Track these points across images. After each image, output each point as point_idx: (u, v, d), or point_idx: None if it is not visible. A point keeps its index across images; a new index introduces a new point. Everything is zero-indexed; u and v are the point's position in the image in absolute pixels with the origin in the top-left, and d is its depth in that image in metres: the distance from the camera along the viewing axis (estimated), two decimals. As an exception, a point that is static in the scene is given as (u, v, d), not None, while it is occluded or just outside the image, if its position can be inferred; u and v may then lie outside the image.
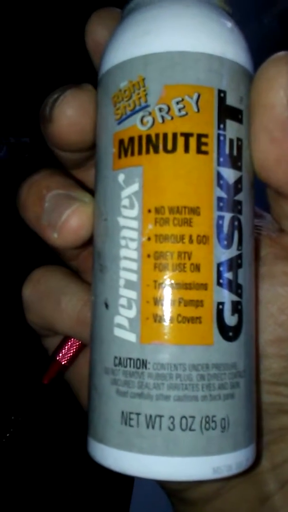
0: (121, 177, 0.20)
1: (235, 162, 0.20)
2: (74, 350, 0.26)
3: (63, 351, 0.26)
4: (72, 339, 0.26)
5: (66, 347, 0.26)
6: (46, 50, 0.58)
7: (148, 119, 0.20)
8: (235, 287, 0.20)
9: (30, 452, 0.33)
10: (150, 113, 0.20)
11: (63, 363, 0.26)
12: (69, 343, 0.26)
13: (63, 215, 0.23)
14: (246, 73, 0.21)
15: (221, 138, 0.20)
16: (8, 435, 0.24)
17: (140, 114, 0.20)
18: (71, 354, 0.26)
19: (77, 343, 0.26)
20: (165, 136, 0.19)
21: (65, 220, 0.23)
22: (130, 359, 0.19)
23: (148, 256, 0.19)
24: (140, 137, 0.20)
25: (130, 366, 0.19)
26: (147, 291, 0.19)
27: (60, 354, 0.26)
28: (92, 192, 0.24)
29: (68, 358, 0.26)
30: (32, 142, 0.58)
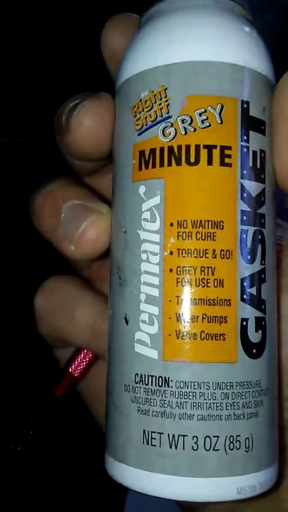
0: (141, 189, 0.20)
1: (259, 174, 0.20)
2: (87, 362, 0.25)
3: (76, 363, 0.25)
4: (85, 351, 0.26)
5: (79, 358, 0.26)
6: (43, 50, 0.58)
7: (170, 130, 0.19)
8: (258, 303, 0.19)
9: (41, 465, 0.33)
10: (172, 124, 0.19)
11: (75, 375, 0.25)
12: (82, 355, 0.26)
13: (80, 226, 0.22)
14: (268, 82, 0.21)
15: (245, 150, 0.19)
16: (19, 448, 0.23)
17: (162, 125, 0.19)
18: (84, 366, 0.26)
19: (90, 355, 0.26)
20: (187, 148, 0.19)
21: (83, 232, 0.22)
22: (152, 376, 0.19)
23: (171, 270, 0.19)
24: (162, 149, 0.19)
25: (152, 383, 0.19)
26: (169, 306, 0.19)
27: (73, 366, 0.25)
28: (107, 200, 0.24)
29: (81, 370, 0.25)
30: (26, 142, 0.57)
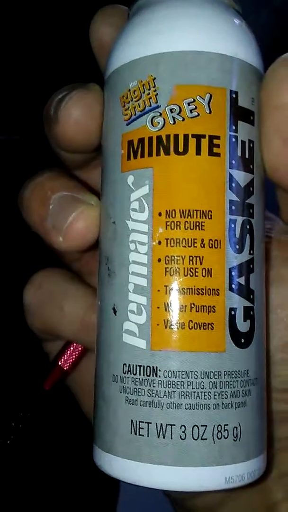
0: (130, 179, 0.20)
1: (247, 164, 0.20)
2: (76, 355, 0.25)
3: (65, 356, 0.25)
4: (74, 344, 0.25)
5: (68, 352, 0.25)
6: (35, 45, 0.57)
7: (159, 120, 0.19)
8: (247, 293, 0.19)
9: (30, 458, 0.33)
10: (160, 114, 0.19)
11: (65, 368, 0.25)
12: (71, 348, 0.26)
13: (68, 218, 0.22)
14: (257, 73, 0.21)
15: (233, 140, 0.19)
16: (8, 442, 0.23)
17: (151, 114, 0.19)
18: (73, 359, 0.25)
19: (79, 348, 0.25)
20: (176, 137, 0.19)
21: (71, 223, 0.22)
22: (140, 366, 0.19)
23: (159, 260, 0.19)
24: (150, 139, 0.19)
25: (140, 373, 0.19)
26: (157, 296, 0.19)
27: (62, 360, 0.25)
28: (96, 193, 0.24)
29: (70, 363, 0.25)
30: (22, 140, 0.57)
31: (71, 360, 0.25)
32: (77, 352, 0.25)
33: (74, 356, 0.25)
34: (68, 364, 0.25)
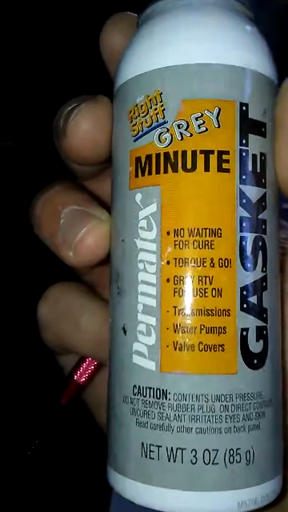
0: (138, 197, 0.19)
1: (259, 178, 0.19)
2: (92, 369, 0.25)
3: (81, 370, 0.25)
4: (89, 358, 0.25)
5: (83, 366, 0.25)
6: (36, 50, 0.57)
7: (166, 136, 0.19)
8: (260, 312, 0.19)
9: (47, 473, 0.33)
10: (168, 130, 0.19)
11: (81, 383, 0.25)
12: (87, 362, 0.25)
13: (79, 233, 0.22)
14: (269, 83, 0.20)
15: (244, 154, 0.19)
16: (26, 455, 0.23)
17: (158, 130, 0.19)
18: (89, 373, 0.25)
19: (95, 362, 0.25)
20: (184, 154, 0.19)
21: (81, 238, 0.22)
22: (149, 388, 0.18)
23: (168, 280, 0.18)
24: (158, 155, 0.19)
25: (149, 395, 0.18)
26: (166, 317, 0.18)
27: (78, 374, 0.25)
28: (107, 204, 0.23)
29: (86, 377, 0.25)
30: (16, 146, 0.56)
31: (86, 375, 0.25)
32: (92, 367, 0.25)
33: (89, 371, 0.25)
34: (83, 378, 0.25)
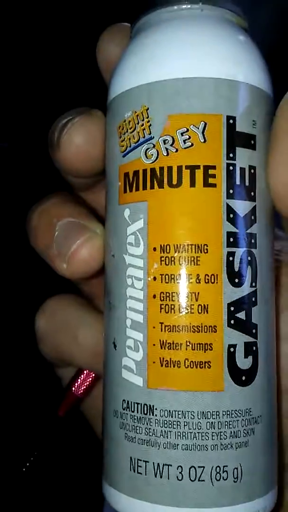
0: (126, 213, 0.19)
1: (248, 192, 0.19)
2: (90, 381, 0.25)
3: (78, 382, 0.25)
4: (87, 370, 0.26)
5: (81, 378, 0.26)
6: (31, 53, 0.57)
7: (152, 152, 0.19)
8: (249, 327, 0.19)
9: (45, 485, 0.33)
10: (154, 146, 0.19)
11: (78, 395, 0.25)
12: (84, 374, 0.26)
13: (73, 245, 0.22)
14: (260, 93, 0.20)
15: (231, 168, 0.19)
16: (23, 469, 0.23)
17: (145, 146, 0.19)
18: (86, 385, 0.26)
19: (92, 375, 0.25)
20: (169, 169, 0.18)
21: (75, 250, 0.22)
22: (137, 403, 0.18)
23: (154, 296, 0.18)
24: (144, 171, 0.19)
25: (137, 411, 0.18)
26: (153, 333, 0.18)
27: (76, 386, 0.26)
28: (101, 217, 0.24)
29: (84, 389, 0.25)
30: (10, 147, 0.56)
31: (84, 386, 0.25)
32: (90, 379, 0.25)
33: (87, 383, 0.26)
34: (81, 391, 0.25)
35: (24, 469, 0.24)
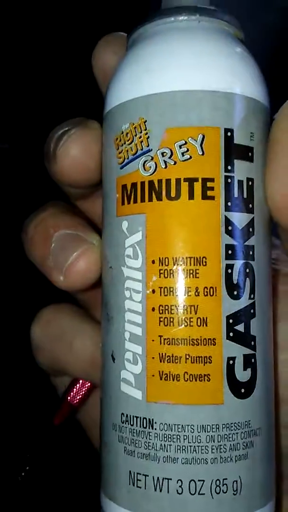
0: (124, 225, 0.19)
1: (246, 204, 0.19)
2: (85, 390, 0.25)
3: (74, 391, 0.25)
4: (82, 379, 0.25)
5: (77, 387, 0.25)
6: (28, 55, 0.56)
7: (151, 164, 0.19)
8: (247, 340, 0.19)
9: (41, 495, 0.33)
10: (152, 158, 0.19)
11: (74, 404, 0.25)
12: (80, 384, 0.26)
13: (70, 257, 0.22)
14: (257, 105, 0.20)
15: (229, 180, 0.19)
16: (19, 479, 0.23)
17: (143, 158, 0.19)
18: (82, 394, 0.25)
19: (88, 384, 0.25)
20: (168, 182, 0.18)
21: (72, 262, 0.22)
22: (136, 417, 0.18)
23: (153, 309, 0.18)
24: (142, 184, 0.19)
25: (136, 424, 0.18)
26: (152, 346, 0.18)
27: (71, 395, 0.25)
28: (96, 226, 0.23)
29: (79, 398, 0.25)
30: (11, 149, 0.56)
31: (79, 396, 0.25)
32: (85, 388, 0.25)
33: (83, 391, 0.26)
34: (77, 400, 0.25)
35: (19, 479, 0.23)
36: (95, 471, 0.21)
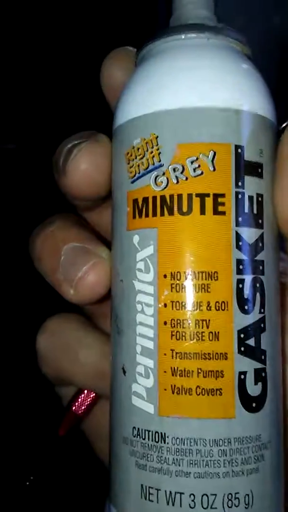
0: (135, 239, 0.20)
1: (256, 220, 0.19)
2: (90, 401, 0.25)
3: (79, 401, 0.25)
4: (88, 390, 0.25)
5: (81, 398, 0.25)
6: (34, 55, 0.57)
7: (162, 179, 0.19)
8: (258, 354, 0.19)
9: (45, 505, 0.33)
10: (164, 173, 0.19)
11: (79, 414, 0.25)
12: (85, 394, 0.26)
13: (80, 270, 0.22)
14: (266, 122, 0.20)
15: (240, 196, 0.19)
16: (23, 489, 0.23)
17: (154, 173, 0.19)
18: (87, 405, 0.25)
19: (93, 394, 0.25)
20: (179, 197, 0.19)
21: (82, 276, 0.22)
22: (148, 431, 0.18)
23: (165, 323, 0.18)
24: (154, 198, 0.19)
25: (148, 438, 0.18)
26: (164, 360, 0.18)
27: (76, 405, 0.25)
28: (105, 238, 0.24)
29: (84, 409, 0.25)
30: (18, 149, 0.56)
31: (85, 406, 0.25)
32: (90, 398, 0.25)
33: (87, 402, 0.26)
34: (81, 410, 0.25)
35: (24, 489, 0.23)
36: (99, 481, 0.21)
